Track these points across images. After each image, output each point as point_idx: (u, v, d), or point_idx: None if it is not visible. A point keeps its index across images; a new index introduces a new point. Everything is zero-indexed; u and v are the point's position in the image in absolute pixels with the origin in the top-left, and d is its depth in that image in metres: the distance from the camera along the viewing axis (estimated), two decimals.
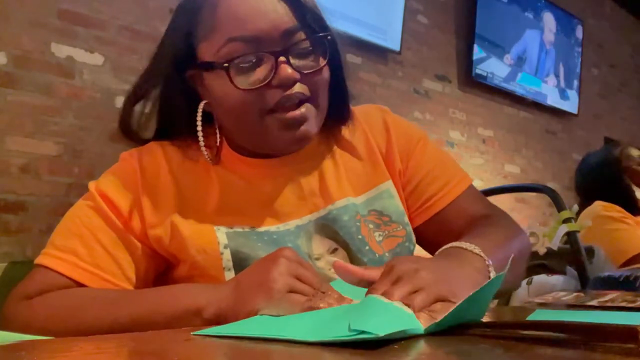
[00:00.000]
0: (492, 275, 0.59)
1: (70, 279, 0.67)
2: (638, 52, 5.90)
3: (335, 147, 0.82)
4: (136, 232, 0.71)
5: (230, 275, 0.69)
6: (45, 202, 2.14)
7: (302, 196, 0.77)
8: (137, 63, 2.39)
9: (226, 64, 0.67)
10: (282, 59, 0.68)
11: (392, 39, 3.38)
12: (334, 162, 0.81)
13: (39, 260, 0.69)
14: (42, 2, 2.15)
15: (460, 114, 3.96)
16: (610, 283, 0.99)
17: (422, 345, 0.44)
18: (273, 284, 0.55)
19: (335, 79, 0.76)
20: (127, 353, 0.43)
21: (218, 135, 0.76)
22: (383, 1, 3.32)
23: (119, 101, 2.34)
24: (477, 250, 0.62)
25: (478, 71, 3.98)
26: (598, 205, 2.00)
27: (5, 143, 2.06)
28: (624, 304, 0.71)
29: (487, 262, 0.61)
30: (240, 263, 0.70)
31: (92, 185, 0.73)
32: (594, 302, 0.74)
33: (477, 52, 3.96)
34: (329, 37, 0.71)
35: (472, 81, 3.97)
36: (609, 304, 0.72)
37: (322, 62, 0.71)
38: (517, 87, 4.33)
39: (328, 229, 0.77)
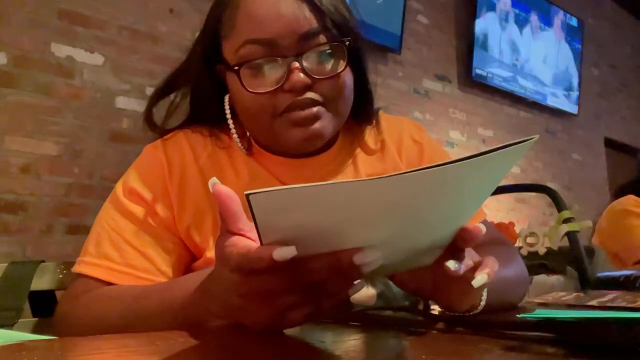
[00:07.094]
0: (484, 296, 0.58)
1: (107, 282, 0.69)
2: (638, 52, 5.90)
3: (357, 152, 0.81)
4: (166, 222, 0.72)
5: None
6: (45, 202, 2.14)
7: None
8: (137, 63, 2.39)
9: (236, 67, 0.68)
10: (294, 64, 0.67)
11: (392, 39, 3.38)
12: (355, 169, 0.80)
13: (77, 268, 0.70)
14: (42, 2, 2.15)
15: (460, 114, 3.96)
16: (610, 283, 0.99)
17: (421, 345, 0.44)
18: (261, 326, 0.46)
19: (358, 80, 0.75)
20: (128, 353, 0.43)
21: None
22: (383, 1, 3.32)
23: (119, 101, 2.35)
24: None
25: (478, 71, 3.98)
26: (630, 198, 1.98)
27: (5, 143, 2.06)
28: (624, 304, 0.71)
29: None
30: None
31: (118, 185, 0.74)
32: (594, 302, 0.74)
33: (477, 52, 3.96)
34: (347, 42, 0.70)
35: (472, 81, 3.97)
36: (609, 304, 0.72)
37: (341, 66, 0.70)
38: (517, 87, 4.33)
39: None
